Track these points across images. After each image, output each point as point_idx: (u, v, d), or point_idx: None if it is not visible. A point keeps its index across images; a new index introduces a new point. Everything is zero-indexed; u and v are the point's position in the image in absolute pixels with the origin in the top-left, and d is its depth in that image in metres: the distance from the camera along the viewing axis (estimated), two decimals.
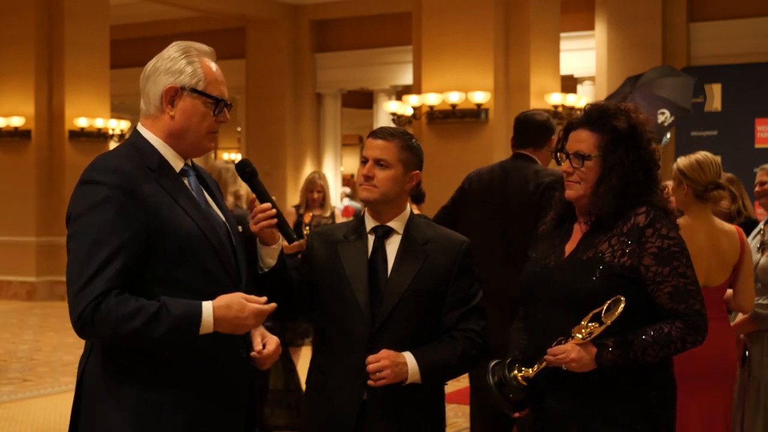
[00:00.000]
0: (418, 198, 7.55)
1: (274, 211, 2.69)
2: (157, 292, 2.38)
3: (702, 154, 4.12)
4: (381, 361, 2.77)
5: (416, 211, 7.10)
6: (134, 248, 2.36)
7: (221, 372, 2.48)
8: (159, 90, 2.50)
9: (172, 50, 2.54)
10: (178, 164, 2.54)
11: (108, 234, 2.33)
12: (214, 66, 2.56)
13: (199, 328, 2.37)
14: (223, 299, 2.41)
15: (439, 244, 2.96)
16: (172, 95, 2.50)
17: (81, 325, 2.33)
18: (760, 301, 4.19)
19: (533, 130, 4.66)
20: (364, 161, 2.96)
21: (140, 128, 2.56)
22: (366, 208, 3.01)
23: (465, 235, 4.54)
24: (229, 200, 6.14)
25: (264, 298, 2.47)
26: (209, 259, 2.47)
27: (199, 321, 2.37)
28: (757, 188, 5.30)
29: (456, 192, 4.88)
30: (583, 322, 2.68)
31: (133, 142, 2.54)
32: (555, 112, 11.99)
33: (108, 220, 2.34)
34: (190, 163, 2.61)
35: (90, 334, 2.37)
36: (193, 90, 2.50)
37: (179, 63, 2.50)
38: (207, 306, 2.38)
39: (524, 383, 2.78)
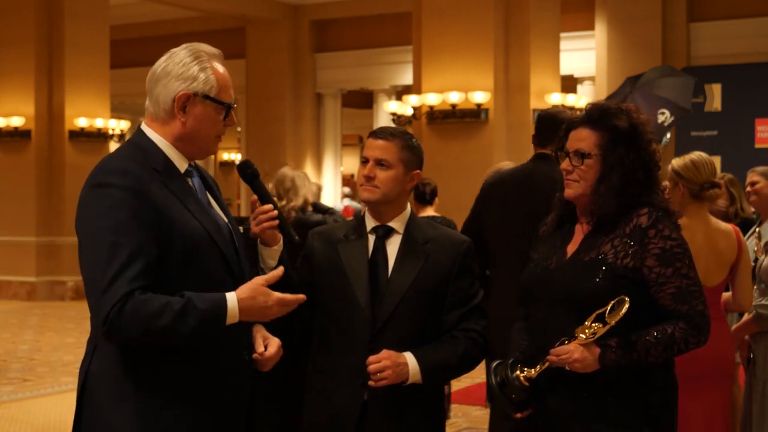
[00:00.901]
0: (423, 198, 7.27)
1: (276, 212, 2.68)
2: (168, 293, 2.36)
3: (696, 154, 4.14)
4: (382, 362, 2.77)
5: (433, 213, 6.99)
6: (151, 248, 2.35)
7: (223, 374, 2.48)
8: (170, 95, 2.48)
9: (183, 54, 2.51)
10: (182, 165, 2.54)
11: (125, 235, 2.32)
12: (223, 69, 2.55)
13: (226, 320, 2.37)
14: (246, 290, 2.40)
15: (439, 243, 2.95)
16: (185, 101, 2.48)
17: (108, 328, 2.30)
18: (763, 302, 4.19)
19: (557, 128, 4.56)
20: (364, 161, 2.95)
21: (145, 128, 2.55)
22: (366, 208, 3.01)
23: (492, 242, 4.51)
24: (299, 203, 6.14)
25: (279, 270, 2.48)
26: (215, 261, 2.47)
27: (225, 313, 2.36)
28: (748, 188, 5.34)
29: (476, 202, 4.76)
30: (586, 323, 2.67)
31: (138, 142, 2.53)
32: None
33: (123, 221, 2.33)
34: (193, 164, 2.60)
35: (118, 337, 2.33)
36: (206, 97, 2.49)
37: (192, 69, 2.48)
38: (231, 298, 2.38)
39: (527, 384, 2.78)
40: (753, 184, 5.34)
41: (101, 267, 2.32)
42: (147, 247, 2.34)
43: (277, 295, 2.43)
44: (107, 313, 2.29)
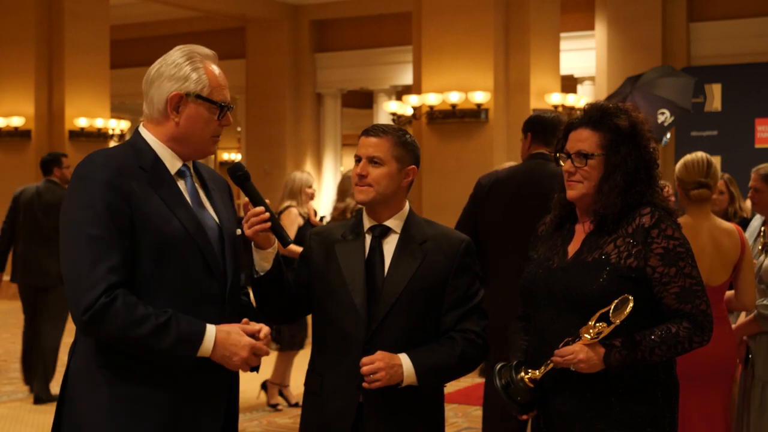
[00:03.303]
0: None
1: (267, 214, 2.66)
2: (140, 289, 2.40)
3: (691, 155, 4.15)
4: (375, 363, 2.75)
5: None
6: (126, 243, 2.39)
7: (199, 368, 2.47)
8: (163, 96, 2.52)
9: (176, 55, 2.55)
10: (175, 165, 2.55)
11: (100, 228, 2.36)
12: (217, 70, 2.57)
13: (200, 348, 2.41)
14: (224, 326, 2.46)
15: (437, 242, 2.91)
16: (177, 102, 2.51)
17: (88, 318, 2.33)
18: (765, 302, 4.19)
19: (555, 129, 4.55)
20: (357, 160, 2.92)
21: (141, 129, 2.59)
22: (364, 208, 2.99)
23: (487, 243, 4.48)
24: (350, 203, 6.28)
25: (265, 329, 2.51)
26: (193, 261, 2.48)
27: (202, 340, 2.41)
28: (750, 192, 5.31)
29: (470, 202, 4.73)
30: (590, 322, 2.67)
31: (133, 142, 2.56)
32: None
33: (98, 214, 2.37)
34: (190, 165, 2.61)
35: (93, 330, 2.37)
36: (198, 96, 2.51)
37: (184, 69, 2.51)
38: (210, 329, 2.43)
39: (531, 385, 2.77)
40: (756, 190, 5.29)
41: (79, 260, 2.36)
42: (121, 241, 2.38)
43: (249, 339, 2.47)
44: (90, 305, 2.33)
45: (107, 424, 2.42)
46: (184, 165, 2.57)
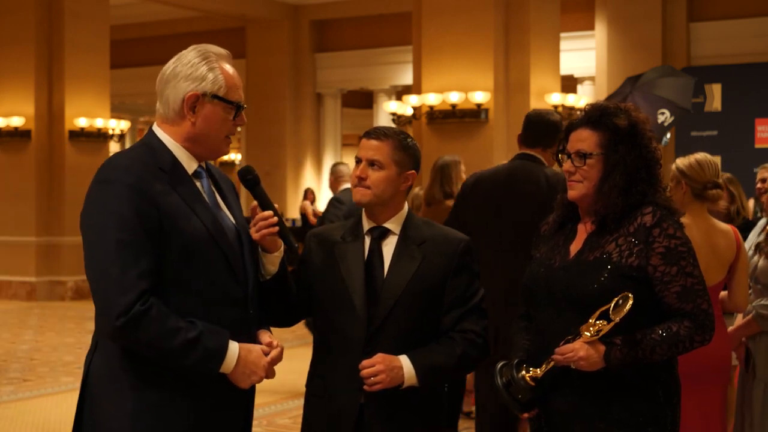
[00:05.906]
0: None
1: (275, 218, 2.65)
2: (163, 290, 2.39)
3: (701, 155, 4.17)
4: (376, 366, 2.75)
5: None
6: (153, 246, 2.38)
7: (222, 376, 2.48)
8: (180, 96, 2.51)
9: (192, 55, 2.54)
10: (191, 166, 2.56)
11: (129, 232, 2.35)
12: (232, 70, 2.57)
13: (222, 365, 2.43)
14: (246, 344, 2.49)
15: (436, 243, 2.92)
16: (194, 102, 2.51)
17: (122, 324, 2.32)
18: (763, 302, 4.19)
19: (546, 129, 4.58)
20: (357, 162, 2.92)
21: (156, 129, 2.58)
22: (363, 209, 2.99)
23: (472, 238, 4.49)
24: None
25: (279, 350, 2.57)
26: (217, 263, 2.48)
27: (224, 357, 2.43)
28: (758, 185, 5.30)
29: (455, 203, 4.75)
30: (590, 320, 2.67)
31: (148, 142, 2.55)
32: (555, 113, 12.00)
33: (126, 218, 2.36)
34: (204, 165, 2.62)
35: (124, 336, 2.36)
36: (215, 96, 2.51)
37: (200, 69, 2.51)
38: (234, 346, 2.45)
39: (532, 383, 2.77)
40: (764, 180, 5.29)
41: (108, 264, 2.34)
42: (149, 245, 2.37)
43: (267, 359, 2.53)
44: (125, 311, 2.31)
45: (132, 429, 2.42)
46: (199, 166, 2.58)
